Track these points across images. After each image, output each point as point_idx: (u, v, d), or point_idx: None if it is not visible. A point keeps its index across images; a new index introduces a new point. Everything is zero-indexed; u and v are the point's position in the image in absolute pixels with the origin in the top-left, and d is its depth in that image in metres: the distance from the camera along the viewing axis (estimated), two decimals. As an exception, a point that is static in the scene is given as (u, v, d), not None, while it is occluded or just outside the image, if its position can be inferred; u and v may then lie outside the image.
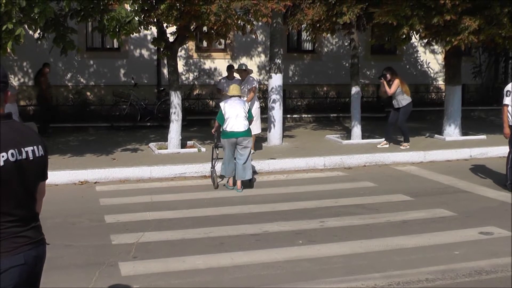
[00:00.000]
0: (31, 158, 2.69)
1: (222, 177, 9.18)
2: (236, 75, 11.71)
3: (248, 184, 9.02)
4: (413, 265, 5.55)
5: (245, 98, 10.17)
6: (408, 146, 11.74)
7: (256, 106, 11.10)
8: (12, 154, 2.59)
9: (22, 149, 2.66)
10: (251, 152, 10.25)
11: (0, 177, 2.54)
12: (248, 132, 8.74)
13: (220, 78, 13.98)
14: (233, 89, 9.06)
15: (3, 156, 2.55)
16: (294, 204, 7.95)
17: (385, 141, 11.98)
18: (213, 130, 9.44)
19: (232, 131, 8.63)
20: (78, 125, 14.36)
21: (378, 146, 11.88)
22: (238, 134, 8.63)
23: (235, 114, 8.64)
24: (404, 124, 11.90)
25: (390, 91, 11.82)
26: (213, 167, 9.23)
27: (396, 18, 11.08)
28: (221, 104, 8.95)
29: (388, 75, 11.87)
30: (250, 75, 11.35)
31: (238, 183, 8.79)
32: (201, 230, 6.73)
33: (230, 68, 12.05)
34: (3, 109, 2.70)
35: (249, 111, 8.95)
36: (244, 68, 11.26)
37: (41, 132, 13.74)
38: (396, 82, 11.75)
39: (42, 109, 14.06)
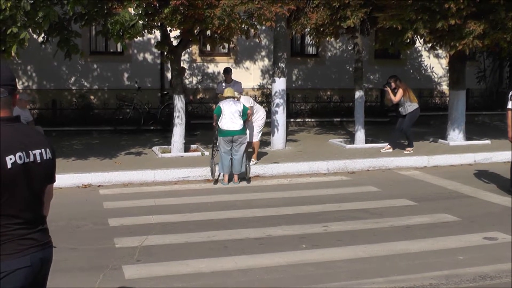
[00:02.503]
0: (38, 161, 2.69)
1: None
2: (234, 78, 11.73)
3: (250, 188, 9.03)
4: (417, 270, 5.54)
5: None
6: (412, 151, 11.72)
7: (260, 117, 10.65)
8: (19, 156, 2.59)
9: (30, 151, 2.66)
10: (254, 163, 10.30)
11: (7, 179, 2.54)
12: (242, 130, 9.48)
13: (218, 82, 14.03)
14: (227, 91, 9.86)
15: (10, 159, 2.55)
16: (297, 208, 7.94)
17: (388, 146, 11.96)
18: (214, 123, 9.75)
19: (228, 130, 9.39)
20: (82, 129, 14.39)
21: (381, 150, 11.86)
22: (234, 133, 9.38)
23: (230, 113, 9.40)
24: (409, 129, 11.89)
25: (395, 99, 11.81)
26: (212, 157, 9.73)
27: (400, 22, 11.07)
28: (220, 104, 9.74)
29: (392, 83, 11.85)
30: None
31: (235, 177, 9.55)
32: (204, 234, 6.73)
33: (227, 71, 12.05)
34: (9, 111, 2.70)
35: (245, 108, 9.56)
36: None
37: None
38: (400, 91, 11.73)
39: None
